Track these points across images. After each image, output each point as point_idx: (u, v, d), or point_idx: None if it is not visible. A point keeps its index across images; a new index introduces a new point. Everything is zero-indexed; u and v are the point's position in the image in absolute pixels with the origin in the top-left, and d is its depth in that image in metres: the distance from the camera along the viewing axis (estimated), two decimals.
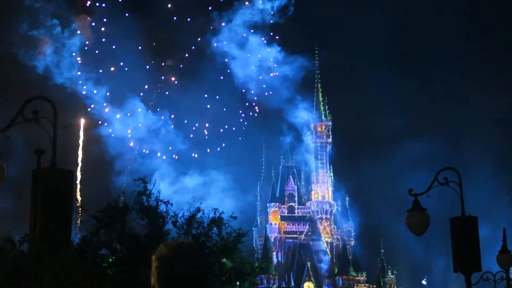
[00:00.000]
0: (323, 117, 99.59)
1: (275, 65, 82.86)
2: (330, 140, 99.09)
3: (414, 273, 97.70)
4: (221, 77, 75.91)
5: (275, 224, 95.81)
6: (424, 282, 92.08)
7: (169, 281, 2.95)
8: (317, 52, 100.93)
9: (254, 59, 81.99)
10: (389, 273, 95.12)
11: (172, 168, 73.43)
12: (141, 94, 73.56)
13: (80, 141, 71.44)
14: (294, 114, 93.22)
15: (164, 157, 74.18)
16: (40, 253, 14.60)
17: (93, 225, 28.89)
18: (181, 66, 75.51)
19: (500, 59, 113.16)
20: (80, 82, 69.32)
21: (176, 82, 74.98)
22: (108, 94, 71.09)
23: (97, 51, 70.75)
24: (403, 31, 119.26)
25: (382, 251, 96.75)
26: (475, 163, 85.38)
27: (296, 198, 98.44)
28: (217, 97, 76.02)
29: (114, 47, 69.13)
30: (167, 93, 75.03)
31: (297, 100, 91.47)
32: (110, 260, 29.08)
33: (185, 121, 76.22)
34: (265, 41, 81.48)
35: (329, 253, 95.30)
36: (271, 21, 77.29)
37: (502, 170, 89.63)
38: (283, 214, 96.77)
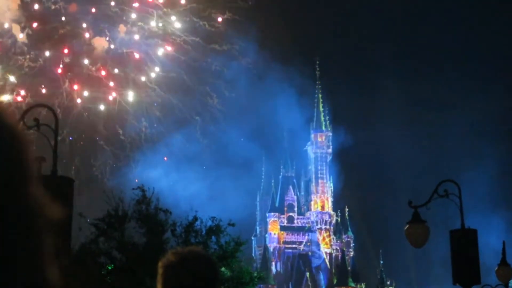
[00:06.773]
0: (323, 128, 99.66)
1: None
2: (330, 150, 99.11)
3: (413, 284, 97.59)
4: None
5: (275, 234, 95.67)
6: None
7: None
8: (317, 62, 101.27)
9: None
10: (388, 284, 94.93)
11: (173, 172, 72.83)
12: None
13: None
14: (294, 124, 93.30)
15: (165, 158, 73.39)
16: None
17: (92, 233, 28.84)
18: None
19: (498, 68, 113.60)
20: None
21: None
22: None
23: None
24: (408, 40, 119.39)
25: (381, 262, 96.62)
26: (474, 174, 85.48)
27: (295, 208, 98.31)
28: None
29: None
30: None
31: (297, 110, 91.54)
32: (109, 268, 29.01)
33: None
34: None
35: (328, 263, 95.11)
36: None
37: (501, 181, 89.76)
38: (283, 224, 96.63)
